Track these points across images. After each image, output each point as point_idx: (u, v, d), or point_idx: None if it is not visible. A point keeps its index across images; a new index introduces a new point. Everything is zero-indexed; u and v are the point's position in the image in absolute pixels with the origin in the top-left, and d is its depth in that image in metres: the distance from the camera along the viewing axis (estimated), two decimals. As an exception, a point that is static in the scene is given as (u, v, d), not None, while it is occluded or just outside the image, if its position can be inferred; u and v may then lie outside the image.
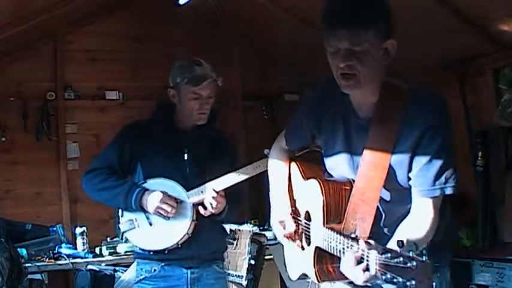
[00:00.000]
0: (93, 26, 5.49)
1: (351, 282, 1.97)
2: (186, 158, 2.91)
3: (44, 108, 5.24)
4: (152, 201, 2.80)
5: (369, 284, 1.69)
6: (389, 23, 1.82)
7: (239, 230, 4.57)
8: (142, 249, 2.89)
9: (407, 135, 1.84)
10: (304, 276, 2.14)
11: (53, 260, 4.52)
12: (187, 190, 2.85)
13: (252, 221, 5.00)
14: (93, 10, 5.40)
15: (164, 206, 2.79)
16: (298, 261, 2.18)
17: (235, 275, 4.40)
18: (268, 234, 4.44)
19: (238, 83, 5.91)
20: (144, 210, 2.84)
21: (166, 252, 2.84)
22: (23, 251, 4.40)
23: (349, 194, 1.93)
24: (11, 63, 5.20)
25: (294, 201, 2.25)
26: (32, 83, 5.26)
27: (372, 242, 1.69)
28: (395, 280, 1.53)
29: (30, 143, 5.21)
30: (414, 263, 1.51)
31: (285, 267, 2.35)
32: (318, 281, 1.99)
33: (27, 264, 4.26)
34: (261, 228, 4.91)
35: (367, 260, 1.63)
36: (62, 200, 5.27)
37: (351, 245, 1.73)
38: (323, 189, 1.97)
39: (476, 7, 3.96)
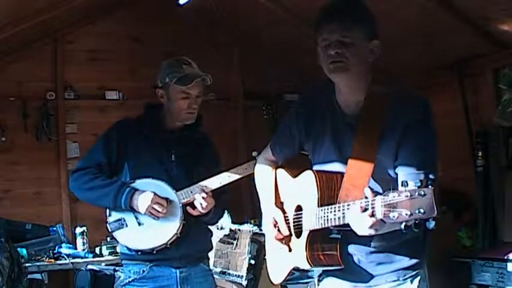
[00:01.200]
0: (93, 26, 5.50)
1: (341, 269, 2.07)
2: (173, 158, 2.90)
3: (44, 108, 5.25)
4: (143, 201, 2.78)
5: (372, 232, 1.80)
6: (374, 26, 2.06)
7: (239, 230, 4.57)
8: (130, 250, 2.87)
9: (393, 128, 2.00)
10: (296, 269, 2.16)
11: (53, 260, 4.53)
12: (175, 190, 2.84)
13: (252, 221, 4.99)
14: (93, 10, 5.40)
15: (156, 206, 2.77)
16: (285, 258, 2.21)
17: (235, 275, 4.40)
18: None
19: (238, 83, 5.92)
20: (133, 210, 2.81)
21: (154, 252, 2.82)
22: (23, 251, 4.40)
23: (341, 181, 2.05)
24: (11, 63, 5.21)
25: (282, 203, 2.30)
26: (32, 83, 5.27)
27: (376, 190, 1.83)
28: (404, 213, 1.65)
29: (30, 143, 5.21)
30: (422, 192, 1.66)
31: (267, 272, 2.37)
32: (310, 266, 2.06)
33: (27, 264, 4.27)
34: (261, 228, 4.90)
35: (373, 207, 1.75)
36: (62, 200, 5.27)
37: (353, 203, 1.84)
38: (316, 177, 2.07)
39: (476, 7, 3.96)
